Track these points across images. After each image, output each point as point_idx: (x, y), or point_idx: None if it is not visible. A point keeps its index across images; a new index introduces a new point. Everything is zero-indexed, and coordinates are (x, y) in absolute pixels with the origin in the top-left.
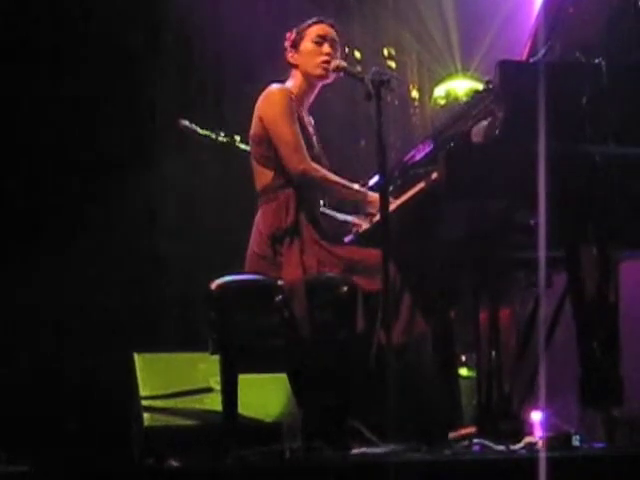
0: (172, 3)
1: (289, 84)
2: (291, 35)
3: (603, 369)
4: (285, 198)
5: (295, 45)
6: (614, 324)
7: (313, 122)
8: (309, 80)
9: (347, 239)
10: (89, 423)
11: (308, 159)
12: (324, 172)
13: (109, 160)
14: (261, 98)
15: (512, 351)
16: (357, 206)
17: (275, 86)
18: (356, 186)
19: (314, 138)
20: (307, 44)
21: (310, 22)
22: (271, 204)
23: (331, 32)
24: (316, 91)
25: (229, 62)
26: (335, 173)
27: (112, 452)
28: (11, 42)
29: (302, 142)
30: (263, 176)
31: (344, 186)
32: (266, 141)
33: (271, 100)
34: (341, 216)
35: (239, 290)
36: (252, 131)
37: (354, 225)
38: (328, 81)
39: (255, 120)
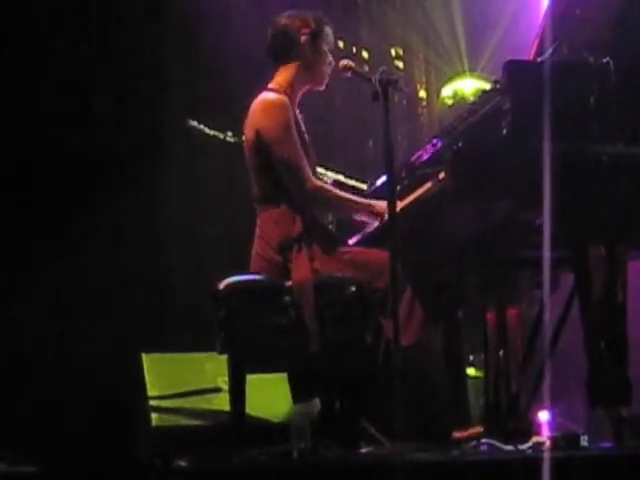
0: (180, 0)
1: (279, 79)
2: (310, 22)
3: (611, 369)
4: (288, 207)
5: (315, 38)
6: (622, 324)
7: (301, 116)
8: (305, 78)
9: (352, 240)
10: (97, 423)
11: (312, 177)
12: (330, 190)
13: (116, 160)
14: (258, 108)
15: (519, 351)
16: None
17: (271, 96)
18: (360, 199)
19: (305, 135)
20: (325, 46)
21: (322, 17)
22: (274, 212)
23: None
24: (305, 89)
25: (237, 62)
26: (342, 173)
27: (120, 452)
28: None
29: (304, 159)
30: (261, 183)
31: (350, 200)
32: (263, 152)
33: (269, 114)
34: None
35: (247, 290)
36: (247, 137)
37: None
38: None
39: (250, 128)
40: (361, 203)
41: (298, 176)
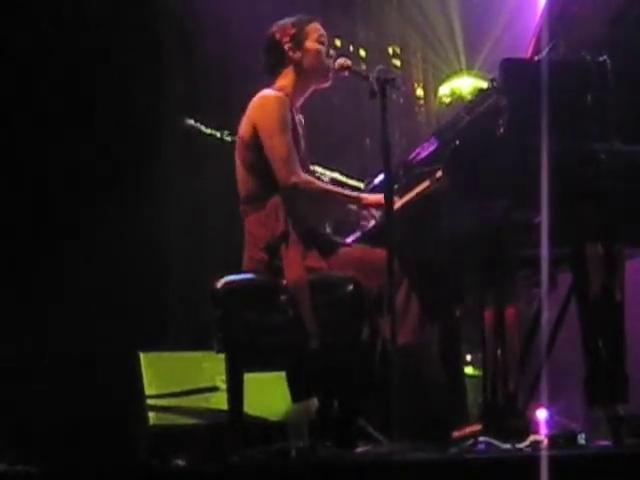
0: (175, 1)
1: (281, 83)
2: (289, 29)
3: (608, 367)
4: (273, 206)
5: (298, 41)
6: (619, 322)
7: (303, 121)
8: (306, 80)
9: (350, 239)
10: (95, 423)
11: (300, 171)
12: (316, 183)
13: (115, 161)
14: (256, 103)
15: (517, 350)
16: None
17: (271, 92)
18: (350, 192)
19: (302, 140)
20: (313, 44)
21: (305, 18)
22: (259, 213)
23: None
24: (309, 91)
25: (234, 61)
26: (337, 171)
27: (117, 452)
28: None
29: (294, 154)
30: (249, 182)
31: (337, 193)
32: (256, 148)
33: (267, 108)
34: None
35: (244, 289)
36: (242, 134)
37: (363, 218)
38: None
39: (247, 125)
40: (350, 196)
41: (285, 169)
